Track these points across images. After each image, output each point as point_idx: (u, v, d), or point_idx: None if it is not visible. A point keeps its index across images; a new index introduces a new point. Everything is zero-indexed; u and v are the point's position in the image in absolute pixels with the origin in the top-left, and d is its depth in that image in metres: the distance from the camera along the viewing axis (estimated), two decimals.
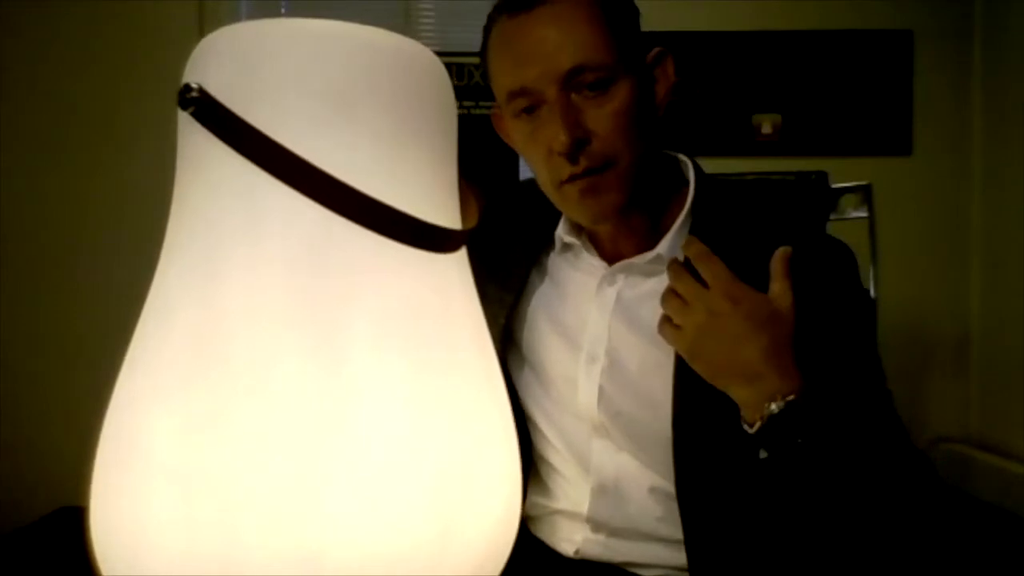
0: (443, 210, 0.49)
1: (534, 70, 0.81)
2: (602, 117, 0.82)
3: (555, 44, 0.81)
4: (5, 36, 2.26)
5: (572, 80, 0.81)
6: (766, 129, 2.38)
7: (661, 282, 0.89)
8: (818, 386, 0.75)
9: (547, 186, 0.87)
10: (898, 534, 0.77)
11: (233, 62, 0.45)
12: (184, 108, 0.44)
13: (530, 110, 0.84)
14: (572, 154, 0.81)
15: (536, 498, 0.98)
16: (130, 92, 2.24)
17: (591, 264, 0.94)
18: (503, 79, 0.85)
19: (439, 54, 0.51)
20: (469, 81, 2.19)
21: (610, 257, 0.93)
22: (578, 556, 0.93)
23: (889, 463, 0.78)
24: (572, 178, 0.83)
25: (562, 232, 0.96)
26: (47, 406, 2.19)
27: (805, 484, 0.75)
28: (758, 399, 0.75)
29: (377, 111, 0.45)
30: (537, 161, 0.86)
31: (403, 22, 2.39)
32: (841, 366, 0.82)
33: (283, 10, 2.42)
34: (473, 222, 0.54)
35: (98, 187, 2.27)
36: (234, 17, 2.32)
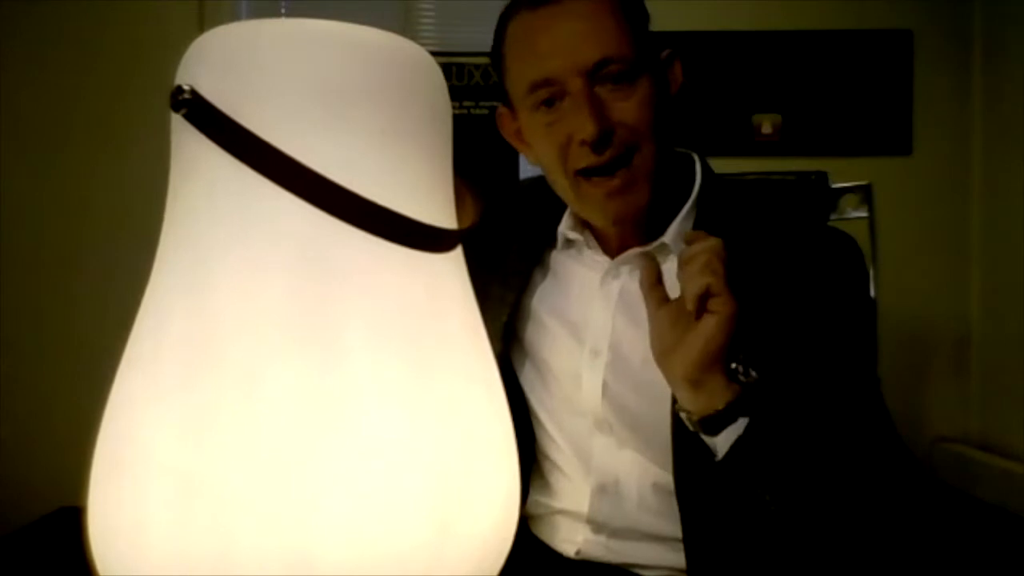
0: (438, 210, 0.49)
1: (559, 61, 0.82)
2: (627, 108, 0.83)
3: (581, 36, 0.82)
4: (5, 36, 2.26)
5: (597, 73, 0.82)
6: (766, 129, 2.38)
7: (666, 272, 0.90)
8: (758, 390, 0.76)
9: (560, 178, 0.87)
10: (882, 530, 0.77)
11: (225, 63, 0.45)
12: (176, 110, 0.44)
13: (549, 102, 0.84)
14: (598, 144, 0.81)
15: (538, 496, 0.98)
16: (130, 92, 2.24)
17: (594, 259, 0.94)
18: (524, 70, 0.85)
19: (439, 54, 0.51)
20: (469, 81, 2.19)
21: (614, 252, 0.93)
22: (579, 557, 0.93)
23: (862, 456, 0.78)
24: (594, 171, 0.83)
25: (565, 228, 0.96)
26: (47, 406, 2.19)
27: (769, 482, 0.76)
28: (708, 401, 0.76)
29: (370, 111, 0.45)
30: (551, 153, 0.86)
31: (403, 22, 2.39)
32: (831, 358, 0.82)
33: (283, 10, 2.41)
34: (469, 222, 0.54)
35: (98, 187, 2.27)
36: (234, 17, 2.32)
